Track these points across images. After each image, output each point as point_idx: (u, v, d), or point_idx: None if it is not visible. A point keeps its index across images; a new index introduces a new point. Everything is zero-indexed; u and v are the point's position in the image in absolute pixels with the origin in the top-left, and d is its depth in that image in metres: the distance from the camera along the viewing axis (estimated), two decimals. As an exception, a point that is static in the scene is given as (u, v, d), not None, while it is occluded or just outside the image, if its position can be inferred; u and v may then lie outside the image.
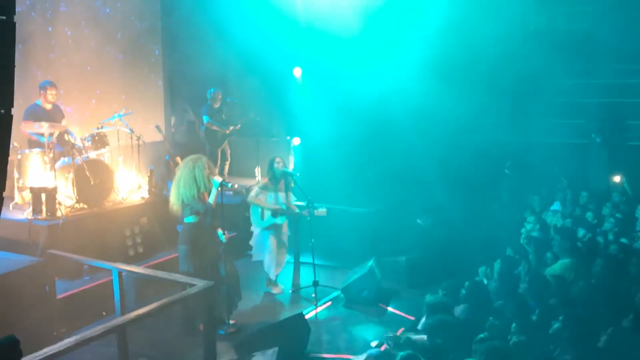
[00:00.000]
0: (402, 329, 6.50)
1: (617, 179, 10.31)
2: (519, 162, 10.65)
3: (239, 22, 10.08)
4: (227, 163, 10.46)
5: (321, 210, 7.38)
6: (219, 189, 6.11)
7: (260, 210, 7.37)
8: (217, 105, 10.10)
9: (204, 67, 10.60)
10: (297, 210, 7.60)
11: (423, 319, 5.80)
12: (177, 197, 6.13)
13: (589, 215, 8.87)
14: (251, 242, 7.61)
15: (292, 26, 10.38)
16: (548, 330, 4.95)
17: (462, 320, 5.38)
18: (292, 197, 7.68)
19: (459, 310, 5.69)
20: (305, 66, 11.02)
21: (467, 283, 5.91)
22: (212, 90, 10.11)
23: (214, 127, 9.97)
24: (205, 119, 10.00)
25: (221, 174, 9.75)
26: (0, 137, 2.48)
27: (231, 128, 10.05)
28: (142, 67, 10.92)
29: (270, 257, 7.44)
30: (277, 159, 7.43)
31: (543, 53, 10.67)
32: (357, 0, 9.91)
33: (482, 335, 4.79)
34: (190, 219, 6.20)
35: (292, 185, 7.62)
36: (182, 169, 6.16)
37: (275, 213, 7.38)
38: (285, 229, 7.64)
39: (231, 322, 6.52)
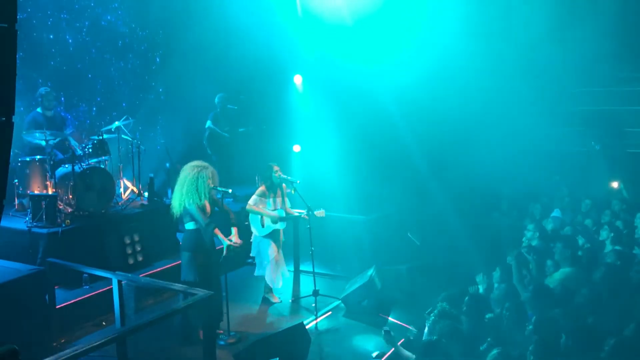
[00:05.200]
0: (402, 340, 6.46)
1: (614, 184, 10.32)
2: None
3: (239, 29, 10.10)
4: (231, 171, 10.43)
5: (320, 212, 7.37)
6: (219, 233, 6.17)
7: (259, 218, 7.35)
8: (224, 111, 10.12)
9: (205, 75, 10.62)
10: (295, 214, 7.58)
11: (426, 329, 5.77)
12: (179, 203, 6.11)
13: (589, 222, 8.85)
14: (253, 254, 7.53)
15: (292, 34, 10.41)
16: (544, 338, 4.91)
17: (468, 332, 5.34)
18: (288, 202, 7.65)
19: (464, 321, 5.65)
20: (305, 74, 11.04)
21: (466, 298, 5.86)
22: (220, 96, 10.12)
23: (216, 132, 9.98)
24: (207, 123, 10.01)
25: (225, 182, 9.72)
26: (1, 145, 2.46)
27: (225, 132, 10.04)
28: (143, 74, 10.94)
29: (271, 267, 7.39)
30: (275, 167, 7.40)
31: (543, 60, 10.70)
32: (358, 7, 9.93)
33: (496, 351, 4.72)
34: (191, 226, 6.19)
35: (289, 191, 7.58)
36: (186, 175, 6.11)
37: (274, 219, 7.36)
38: (281, 236, 7.61)
39: (231, 332, 6.48)
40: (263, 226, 7.37)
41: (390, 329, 5.81)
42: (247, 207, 7.33)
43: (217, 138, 10.03)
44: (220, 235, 6.23)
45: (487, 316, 5.75)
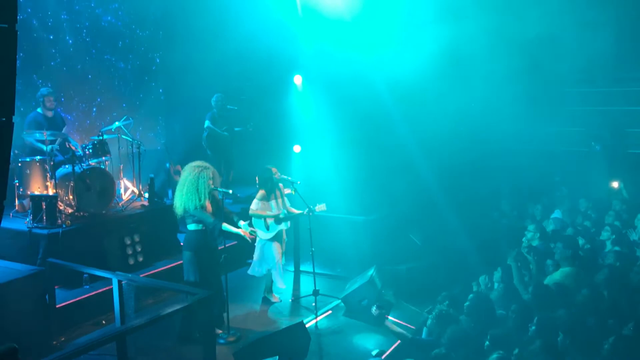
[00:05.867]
0: (399, 342, 6.48)
1: (615, 184, 10.34)
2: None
3: (239, 29, 10.11)
4: (232, 172, 10.45)
5: (321, 206, 7.40)
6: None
7: (263, 221, 7.35)
8: (222, 111, 10.13)
9: (205, 75, 10.64)
10: (297, 212, 7.60)
11: (426, 328, 5.77)
12: (180, 204, 6.12)
13: (589, 223, 8.86)
14: (255, 257, 7.49)
15: (293, 34, 10.42)
16: (547, 339, 4.91)
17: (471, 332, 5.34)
18: (287, 202, 7.66)
19: (463, 322, 5.66)
20: (305, 74, 11.05)
21: (470, 295, 5.86)
22: (217, 96, 10.12)
23: (215, 132, 10.00)
24: (206, 123, 10.01)
25: (226, 182, 9.74)
26: (1, 145, 2.48)
27: (224, 132, 10.05)
28: (142, 75, 10.96)
29: (278, 266, 7.42)
30: (274, 169, 7.42)
31: (543, 61, 10.70)
32: (358, 5, 9.94)
33: (496, 355, 4.70)
34: (193, 227, 6.20)
35: (290, 192, 7.58)
36: (187, 175, 6.12)
37: (279, 220, 7.37)
38: (284, 236, 7.63)
39: (232, 331, 6.50)
40: (268, 229, 7.38)
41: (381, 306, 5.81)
42: (250, 212, 7.30)
43: (216, 138, 10.03)
44: (232, 227, 6.20)
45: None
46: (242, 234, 6.26)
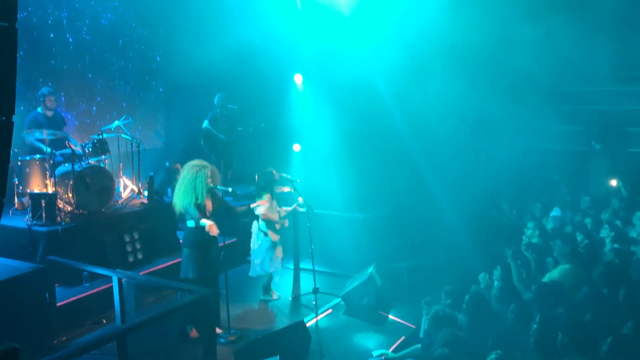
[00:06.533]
0: (402, 338, 6.48)
1: (613, 182, 10.34)
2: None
3: (240, 28, 10.10)
4: (230, 171, 10.45)
5: (300, 198, 7.45)
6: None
7: (273, 223, 7.36)
8: (224, 110, 10.13)
9: (205, 74, 10.63)
10: (290, 208, 7.61)
11: (424, 326, 5.77)
12: (178, 201, 6.15)
13: (588, 221, 8.85)
14: (258, 258, 7.46)
15: (293, 33, 10.42)
16: (547, 338, 4.91)
17: (469, 334, 5.34)
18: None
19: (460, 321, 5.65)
20: (305, 73, 11.05)
21: (467, 296, 5.85)
22: (219, 96, 10.11)
23: (212, 133, 10.00)
24: (204, 123, 10.00)
25: (224, 181, 9.73)
26: (1, 144, 2.48)
27: (221, 134, 10.03)
28: (143, 73, 10.94)
29: (280, 265, 7.48)
30: (273, 171, 7.42)
31: (543, 59, 10.70)
32: (357, 5, 9.93)
33: (494, 355, 4.70)
34: (192, 223, 6.21)
35: (288, 189, 7.58)
36: (185, 174, 6.15)
37: (283, 222, 7.40)
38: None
39: (232, 330, 6.50)
40: (276, 230, 7.41)
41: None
42: (263, 217, 7.22)
43: (213, 139, 10.04)
44: (203, 220, 6.06)
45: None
46: (207, 227, 6.03)
